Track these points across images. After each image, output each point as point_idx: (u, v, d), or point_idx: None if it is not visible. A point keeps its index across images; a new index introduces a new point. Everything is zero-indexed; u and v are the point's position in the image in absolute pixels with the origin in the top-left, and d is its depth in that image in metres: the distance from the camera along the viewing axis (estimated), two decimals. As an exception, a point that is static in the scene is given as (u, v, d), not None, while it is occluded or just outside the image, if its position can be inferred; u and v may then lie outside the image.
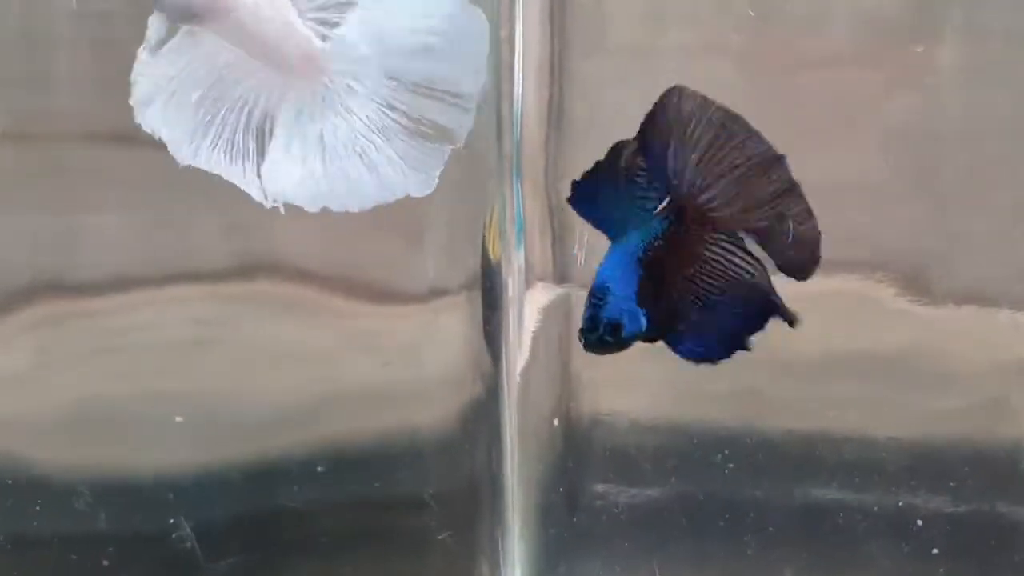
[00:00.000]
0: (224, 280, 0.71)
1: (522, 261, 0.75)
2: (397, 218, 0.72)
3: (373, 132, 0.59)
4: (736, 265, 0.62)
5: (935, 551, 0.72)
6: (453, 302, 0.74)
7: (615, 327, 0.63)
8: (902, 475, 0.72)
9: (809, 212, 0.60)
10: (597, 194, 0.62)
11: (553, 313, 0.74)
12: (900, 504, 0.72)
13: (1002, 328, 0.71)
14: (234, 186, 0.67)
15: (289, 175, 0.59)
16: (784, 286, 0.71)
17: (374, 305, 0.73)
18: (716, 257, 0.62)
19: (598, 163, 0.61)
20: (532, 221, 0.74)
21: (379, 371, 0.73)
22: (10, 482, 0.69)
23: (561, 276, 0.74)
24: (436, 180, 0.60)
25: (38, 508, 0.69)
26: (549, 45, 0.72)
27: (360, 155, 0.59)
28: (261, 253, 0.71)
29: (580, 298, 0.71)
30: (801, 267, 0.61)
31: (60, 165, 0.68)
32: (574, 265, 0.72)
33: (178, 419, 0.70)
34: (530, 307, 0.75)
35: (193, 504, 0.70)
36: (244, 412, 0.72)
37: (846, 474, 0.72)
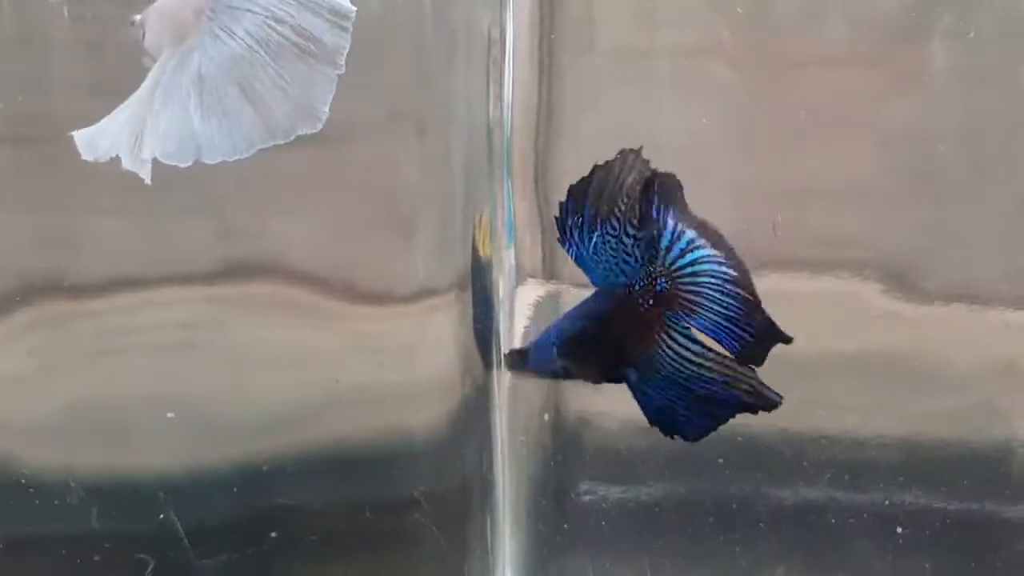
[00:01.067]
0: (217, 282, 0.71)
1: (512, 259, 0.76)
2: (387, 218, 0.73)
3: (257, 50, 0.55)
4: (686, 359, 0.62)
5: (925, 550, 0.72)
6: (444, 301, 0.74)
7: (519, 355, 0.67)
8: (893, 474, 0.72)
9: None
10: (584, 238, 0.62)
11: (543, 311, 0.74)
12: (890, 503, 0.72)
13: (992, 328, 0.71)
14: (228, 188, 0.68)
15: (160, 129, 0.55)
16: (774, 284, 0.71)
17: (365, 306, 0.73)
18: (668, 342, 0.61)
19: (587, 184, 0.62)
20: (522, 219, 0.75)
21: (370, 371, 0.73)
22: (4, 481, 0.69)
23: (551, 274, 0.74)
24: (325, 115, 0.55)
25: (32, 507, 0.69)
26: (539, 45, 0.72)
27: (241, 85, 0.55)
28: (254, 255, 0.71)
29: (570, 295, 0.71)
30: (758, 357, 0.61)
31: (56, 167, 0.68)
32: (564, 263, 0.72)
33: (169, 415, 0.70)
34: (520, 305, 0.75)
35: (187, 504, 0.70)
36: (237, 413, 0.72)
37: (837, 473, 0.72)
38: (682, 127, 0.71)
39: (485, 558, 0.78)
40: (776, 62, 0.70)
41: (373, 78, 0.68)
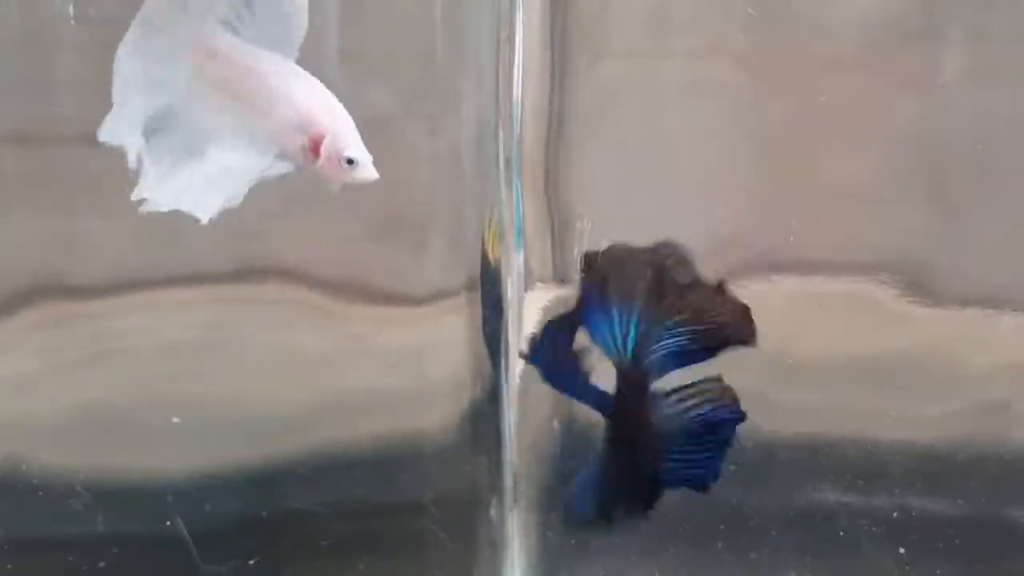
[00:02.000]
0: (226, 284, 0.71)
1: (521, 263, 0.75)
2: (397, 221, 0.72)
3: None
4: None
5: (939, 556, 0.72)
6: (453, 304, 0.73)
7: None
8: (906, 479, 0.71)
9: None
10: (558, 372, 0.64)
11: (553, 315, 0.74)
12: (904, 508, 0.72)
13: (1007, 331, 0.70)
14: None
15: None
16: (791, 287, 0.71)
17: (374, 308, 0.72)
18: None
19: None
20: (531, 223, 0.74)
21: (379, 374, 0.73)
22: (10, 484, 0.69)
23: (560, 278, 0.74)
24: None
25: (38, 510, 0.69)
26: (549, 46, 0.72)
27: None
28: (262, 257, 0.71)
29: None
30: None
31: (62, 168, 0.67)
32: (573, 267, 0.72)
33: (175, 419, 0.70)
34: (530, 309, 0.75)
35: (194, 508, 0.70)
36: (246, 416, 0.71)
37: (850, 477, 0.72)
38: (695, 130, 0.70)
39: (494, 564, 0.77)
40: (790, 66, 0.70)
41: (381, 77, 0.68)
